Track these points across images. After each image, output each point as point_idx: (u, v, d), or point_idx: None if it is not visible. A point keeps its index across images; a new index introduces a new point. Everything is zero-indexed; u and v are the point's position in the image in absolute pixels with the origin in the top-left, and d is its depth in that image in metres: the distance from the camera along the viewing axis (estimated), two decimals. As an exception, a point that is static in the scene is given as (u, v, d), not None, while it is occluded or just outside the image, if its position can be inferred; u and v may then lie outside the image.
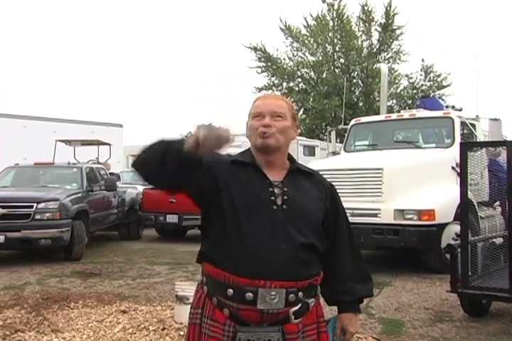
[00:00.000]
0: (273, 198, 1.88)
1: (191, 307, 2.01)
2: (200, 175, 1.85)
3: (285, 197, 1.89)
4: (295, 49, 29.11)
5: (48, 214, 8.66)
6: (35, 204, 8.60)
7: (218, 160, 1.91)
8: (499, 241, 5.66)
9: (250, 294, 1.79)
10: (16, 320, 4.92)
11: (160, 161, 1.76)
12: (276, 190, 1.90)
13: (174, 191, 1.96)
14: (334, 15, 28.02)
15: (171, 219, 11.26)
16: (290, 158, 2.03)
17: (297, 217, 1.88)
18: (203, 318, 1.90)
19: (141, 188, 12.99)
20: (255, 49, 28.73)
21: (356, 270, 2.06)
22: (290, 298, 1.82)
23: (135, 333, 4.44)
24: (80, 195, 9.75)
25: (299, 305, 1.86)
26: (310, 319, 1.93)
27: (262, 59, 28.94)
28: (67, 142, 13.77)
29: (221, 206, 1.87)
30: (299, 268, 1.85)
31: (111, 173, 12.44)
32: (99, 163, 12.50)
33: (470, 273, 4.87)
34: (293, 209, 1.88)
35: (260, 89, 29.28)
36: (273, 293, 1.80)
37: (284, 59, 29.13)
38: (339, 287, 2.04)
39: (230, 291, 1.82)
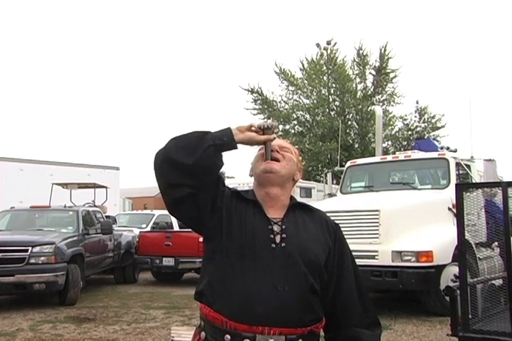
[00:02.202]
0: (272, 236, 1.83)
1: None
2: (213, 194, 1.84)
3: (284, 236, 1.83)
4: (290, 92, 29.55)
5: (42, 258, 8.56)
6: (30, 248, 8.51)
7: (224, 191, 1.89)
8: (499, 282, 5.59)
9: (247, 340, 1.74)
10: (8, 368, 4.80)
11: (200, 152, 1.74)
12: (275, 228, 1.85)
13: (180, 202, 1.82)
14: (327, 59, 28.58)
15: (167, 262, 11.16)
16: (291, 199, 1.99)
17: (297, 257, 1.79)
18: None
19: (137, 231, 12.93)
20: (252, 91, 29.16)
21: (364, 314, 1.92)
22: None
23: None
24: (75, 238, 9.68)
25: None
26: None
27: (259, 101, 29.34)
28: (64, 185, 13.77)
29: (218, 240, 1.83)
30: (299, 313, 1.77)
31: (107, 216, 12.40)
32: (96, 206, 12.47)
33: (470, 316, 4.79)
34: (292, 248, 1.81)
35: (257, 130, 29.50)
36: (271, 340, 1.74)
37: (279, 102, 29.53)
38: (345, 333, 1.91)
39: (228, 337, 1.76)
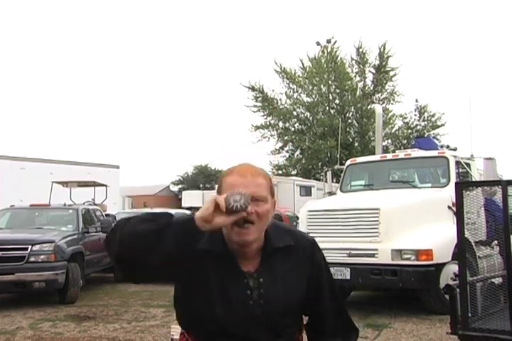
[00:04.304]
0: (248, 292, 1.76)
1: None
2: (178, 269, 1.71)
3: (262, 291, 1.76)
4: (291, 90, 29.57)
5: (42, 257, 8.57)
6: (29, 247, 8.51)
7: (185, 251, 1.63)
8: (498, 281, 5.59)
9: None
10: (8, 366, 4.80)
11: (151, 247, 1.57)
12: (251, 283, 1.76)
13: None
14: (328, 58, 28.58)
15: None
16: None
17: (276, 311, 1.78)
18: None
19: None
20: (253, 88, 29.16)
21: (339, 325, 1.96)
22: None
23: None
24: (75, 236, 9.68)
25: None
26: None
27: (259, 99, 29.35)
28: (64, 183, 13.78)
29: (195, 300, 1.78)
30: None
31: (107, 215, 12.40)
32: (96, 205, 12.47)
33: (470, 314, 4.79)
34: (271, 303, 1.76)
35: (257, 128, 29.57)
36: None
37: (280, 99, 29.53)
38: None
39: None
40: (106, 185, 13.86)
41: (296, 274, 1.83)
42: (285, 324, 1.82)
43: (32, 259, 8.48)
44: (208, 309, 1.76)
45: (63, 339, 6.08)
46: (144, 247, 1.56)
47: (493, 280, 5.57)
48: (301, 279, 1.85)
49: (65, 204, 11.13)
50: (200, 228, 1.57)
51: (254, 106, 29.53)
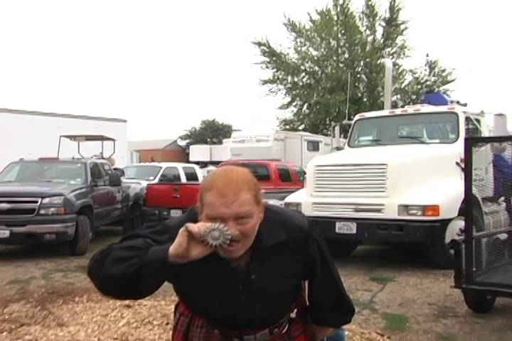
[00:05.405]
0: (240, 287, 1.74)
1: (176, 310, 1.97)
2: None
3: (254, 287, 1.74)
4: (299, 44, 29.07)
5: (52, 209, 8.69)
6: (39, 199, 8.62)
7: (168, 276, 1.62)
8: (504, 236, 5.65)
9: (236, 339, 1.83)
10: (22, 314, 4.93)
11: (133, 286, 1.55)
12: (242, 278, 1.73)
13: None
14: (339, 10, 27.94)
15: (175, 213, 11.27)
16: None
17: (270, 300, 1.78)
18: (191, 327, 1.87)
19: (145, 183, 13.02)
20: (259, 44, 28.69)
21: (332, 301, 1.96)
22: (274, 332, 1.86)
23: (139, 327, 4.45)
24: (84, 190, 9.77)
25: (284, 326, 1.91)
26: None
27: (266, 54, 28.90)
28: (72, 137, 13.80)
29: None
30: (276, 319, 1.86)
31: (115, 168, 12.46)
32: (104, 158, 12.52)
33: (474, 269, 4.86)
34: (264, 296, 1.76)
35: (265, 82, 29.26)
36: (258, 335, 1.83)
37: (287, 54, 29.08)
38: (314, 315, 2.00)
39: (217, 331, 1.84)
40: (113, 139, 13.86)
41: (288, 268, 1.79)
42: (280, 304, 1.86)
43: (42, 212, 8.61)
44: (202, 304, 1.79)
45: (75, 289, 6.22)
46: (124, 288, 1.56)
47: (498, 235, 5.63)
48: (295, 272, 1.83)
49: (73, 158, 11.18)
50: (176, 263, 1.51)
51: (262, 62, 29.12)
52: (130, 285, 1.54)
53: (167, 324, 4.49)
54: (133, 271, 1.52)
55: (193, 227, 1.48)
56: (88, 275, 1.65)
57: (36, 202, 8.60)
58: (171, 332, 2.03)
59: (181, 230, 1.49)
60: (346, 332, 2.25)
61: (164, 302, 5.31)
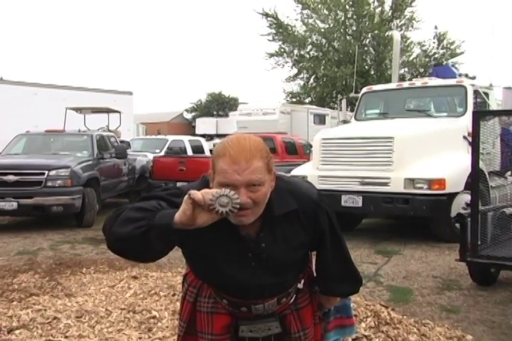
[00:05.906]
0: (250, 255, 1.75)
1: (184, 281, 1.99)
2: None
3: (264, 256, 1.75)
4: (305, 16, 28.67)
5: (59, 182, 8.74)
6: (46, 172, 8.67)
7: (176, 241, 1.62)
8: (509, 210, 5.65)
9: (244, 308, 1.85)
10: (31, 284, 5.00)
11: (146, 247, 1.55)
12: (252, 246, 1.74)
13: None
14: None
15: (181, 187, 11.31)
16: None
17: (280, 268, 1.80)
18: (199, 298, 1.90)
19: (151, 156, 13.04)
20: (267, 15, 28.31)
21: (340, 270, 1.96)
22: (282, 301, 1.88)
23: (146, 298, 4.51)
24: (90, 162, 9.80)
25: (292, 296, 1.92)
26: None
27: (273, 26, 28.55)
28: (78, 110, 13.76)
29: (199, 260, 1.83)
30: (285, 289, 1.88)
31: (121, 141, 12.45)
32: (110, 131, 12.51)
33: (479, 243, 4.87)
34: (272, 264, 1.77)
35: (271, 55, 28.99)
36: (266, 304, 1.85)
37: (294, 26, 28.70)
38: (321, 285, 2.00)
39: (225, 302, 1.86)
40: (119, 112, 13.81)
41: (298, 238, 1.80)
42: (288, 274, 1.87)
43: (49, 184, 8.67)
44: (210, 271, 1.80)
45: (82, 260, 6.30)
46: (134, 249, 1.57)
47: (504, 209, 5.62)
48: (303, 242, 1.83)
49: (79, 131, 11.18)
50: (183, 229, 1.50)
51: (269, 33, 28.77)
52: (138, 246, 1.54)
53: (173, 295, 4.54)
54: (140, 233, 1.51)
55: (197, 194, 1.46)
56: (102, 232, 1.68)
57: (43, 174, 8.64)
58: (177, 303, 2.06)
59: (185, 198, 1.47)
60: (352, 304, 2.27)
61: (170, 274, 5.37)
